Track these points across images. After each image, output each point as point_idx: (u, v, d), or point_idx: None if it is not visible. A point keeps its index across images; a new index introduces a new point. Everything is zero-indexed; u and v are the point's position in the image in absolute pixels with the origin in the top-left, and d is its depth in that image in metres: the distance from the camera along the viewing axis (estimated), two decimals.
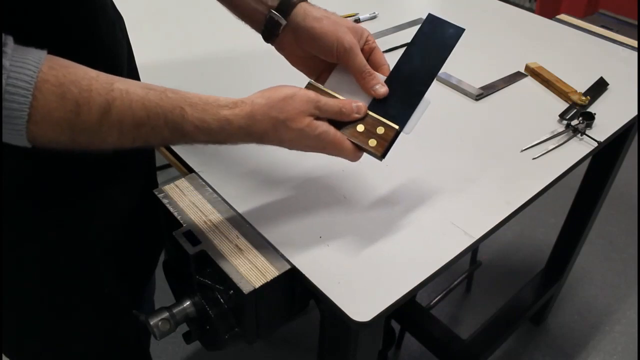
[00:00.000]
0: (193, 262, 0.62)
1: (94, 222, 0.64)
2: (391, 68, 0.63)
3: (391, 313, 0.58)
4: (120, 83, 0.47)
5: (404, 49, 0.63)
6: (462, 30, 0.61)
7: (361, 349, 0.64)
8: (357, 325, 0.56)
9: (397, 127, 0.59)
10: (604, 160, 1.16)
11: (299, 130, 0.54)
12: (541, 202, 0.85)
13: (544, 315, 1.60)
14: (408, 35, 1.13)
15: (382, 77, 0.62)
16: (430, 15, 0.63)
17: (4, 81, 0.40)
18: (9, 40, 0.41)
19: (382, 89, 0.60)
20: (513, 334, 1.48)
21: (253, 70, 0.98)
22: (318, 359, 0.75)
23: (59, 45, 0.52)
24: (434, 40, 0.61)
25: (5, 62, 0.40)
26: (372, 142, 0.58)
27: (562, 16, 1.23)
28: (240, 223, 0.67)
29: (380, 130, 0.59)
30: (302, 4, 0.62)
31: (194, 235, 0.64)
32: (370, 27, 1.17)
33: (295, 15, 0.61)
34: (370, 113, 0.60)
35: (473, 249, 0.99)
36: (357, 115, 0.59)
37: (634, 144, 1.16)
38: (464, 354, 1.28)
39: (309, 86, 0.62)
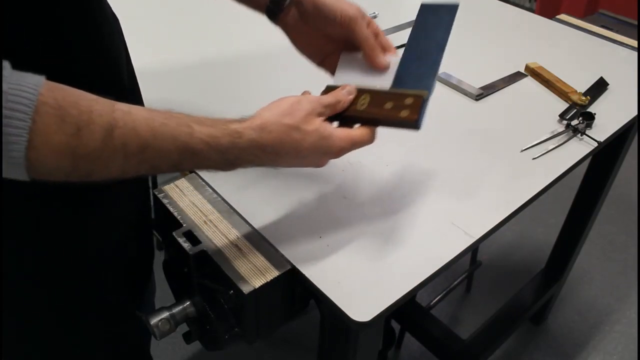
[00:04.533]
0: (193, 262, 0.62)
1: (94, 224, 0.64)
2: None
3: (391, 313, 0.58)
4: (122, 105, 0.45)
5: (403, 49, 0.64)
6: (456, 5, 0.64)
7: (361, 349, 0.64)
8: (357, 325, 0.56)
9: (425, 91, 0.58)
10: (604, 160, 1.16)
11: (314, 130, 0.53)
12: (541, 202, 0.85)
13: (544, 315, 1.60)
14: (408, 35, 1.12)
15: (391, 57, 0.62)
16: (422, 5, 0.66)
17: (3, 104, 0.38)
18: (7, 64, 0.40)
19: (385, 60, 0.61)
20: (513, 334, 1.48)
21: (258, 74, 0.98)
22: (318, 359, 0.75)
23: (62, 51, 0.52)
24: (434, 22, 0.64)
25: (4, 86, 0.38)
26: (404, 113, 0.57)
27: (562, 16, 1.23)
28: (240, 223, 0.67)
29: (409, 100, 0.58)
30: None
31: (194, 235, 0.64)
32: None
33: None
34: (394, 89, 0.60)
35: (473, 249, 0.99)
36: (350, 96, 0.59)
37: (634, 144, 1.16)
38: (464, 354, 1.28)
39: (327, 89, 0.62)
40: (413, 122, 0.57)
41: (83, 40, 0.55)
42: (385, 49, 0.63)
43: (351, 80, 0.63)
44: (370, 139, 0.58)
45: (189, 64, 1.00)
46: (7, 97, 0.38)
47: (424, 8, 0.66)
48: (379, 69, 0.62)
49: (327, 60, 0.66)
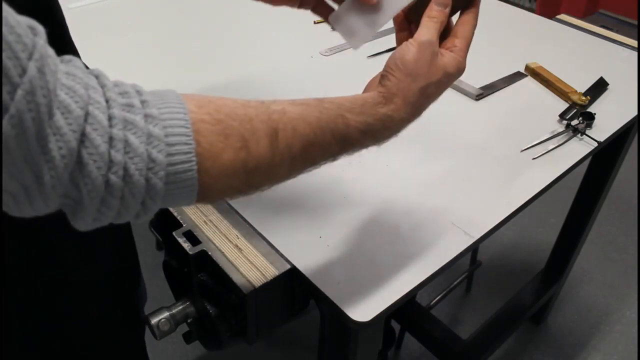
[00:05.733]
0: (193, 262, 0.62)
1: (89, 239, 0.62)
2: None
3: (391, 313, 0.58)
4: (272, 104, 0.42)
5: None
6: None
7: (361, 349, 0.64)
8: (357, 325, 0.56)
9: None
10: (604, 160, 1.16)
11: (442, 75, 0.51)
12: (541, 202, 0.85)
13: (544, 315, 1.60)
14: None
15: None
16: None
17: (161, 132, 0.34)
18: (138, 87, 0.35)
19: None
20: (513, 334, 1.48)
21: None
22: (318, 359, 0.75)
23: None
24: None
25: (153, 111, 0.34)
26: None
27: (562, 16, 1.23)
28: (240, 223, 0.67)
29: None
30: None
31: (194, 235, 0.64)
32: None
33: None
34: None
35: (473, 249, 0.99)
36: (448, 8, 0.53)
37: (634, 144, 1.16)
38: (464, 354, 1.28)
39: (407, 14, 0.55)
40: None
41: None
42: None
43: (365, 36, 0.56)
44: (475, 27, 0.54)
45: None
46: (163, 124, 0.34)
47: None
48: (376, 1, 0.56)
49: (304, 1, 0.62)
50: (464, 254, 0.65)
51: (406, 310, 1.37)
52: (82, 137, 0.31)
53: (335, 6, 0.60)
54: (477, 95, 0.93)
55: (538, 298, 1.41)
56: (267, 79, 0.96)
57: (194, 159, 0.35)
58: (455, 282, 1.53)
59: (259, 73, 0.97)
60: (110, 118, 0.32)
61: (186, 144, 0.35)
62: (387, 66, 0.50)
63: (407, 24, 0.56)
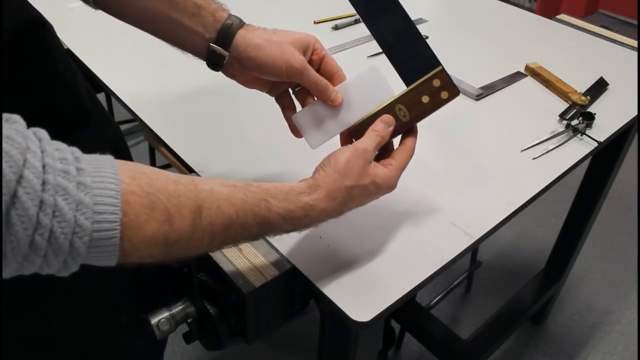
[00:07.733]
0: (193, 262, 0.62)
1: None
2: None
3: (391, 313, 0.58)
4: (202, 183, 0.45)
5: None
6: None
7: (361, 349, 0.64)
8: (357, 325, 0.56)
9: (439, 67, 0.60)
10: (604, 160, 1.16)
11: (370, 182, 0.56)
12: (541, 202, 0.85)
13: (544, 315, 1.60)
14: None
15: (345, 82, 0.62)
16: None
17: (90, 200, 0.36)
18: (78, 153, 0.37)
19: (339, 96, 0.61)
20: (513, 334, 1.48)
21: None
22: (318, 359, 0.75)
23: (23, 90, 0.51)
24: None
25: (86, 179, 0.36)
26: (444, 94, 0.60)
27: (562, 16, 1.23)
28: None
29: (437, 82, 0.60)
30: (241, 33, 0.59)
31: None
32: None
33: (236, 46, 0.59)
34: (416, 82, 0.61)
35: (473, 249, 0.99)
36: (390, 128, 0.60)
37: (634, 144, 1.16)
38: (464, 354, 1.28)
39: (358, 127, 0.62)
40: (456, 94, 0.60)
41: (41, 77, 0.55)
42: (331, 74, 0.62)
43: (320, 140, 0.63)
44: (411, 156, 0.61)
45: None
46: (94, 192, 0.36)
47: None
48: (338, 105, 0.62)
49: (276, 86, 0.65)
50: (464, 254, 0.65)
51: (406, 310, 1.37)
52: (14, 199, 0.33)
53: (294, 98, 0.65)
54: (477, 95, 0.93)
55: (538, 298, 1.41)
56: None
57: (118, 227, 0.37)
58: (455, 282, 1.53)
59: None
60: (44, 183, 0.34)
61: (113, 213, 0.37)
62: (321, 162, 0.56)
63: (350, 138, 0.63)
